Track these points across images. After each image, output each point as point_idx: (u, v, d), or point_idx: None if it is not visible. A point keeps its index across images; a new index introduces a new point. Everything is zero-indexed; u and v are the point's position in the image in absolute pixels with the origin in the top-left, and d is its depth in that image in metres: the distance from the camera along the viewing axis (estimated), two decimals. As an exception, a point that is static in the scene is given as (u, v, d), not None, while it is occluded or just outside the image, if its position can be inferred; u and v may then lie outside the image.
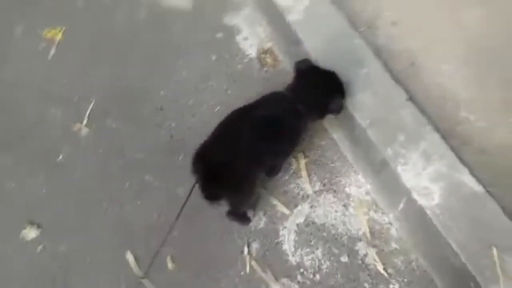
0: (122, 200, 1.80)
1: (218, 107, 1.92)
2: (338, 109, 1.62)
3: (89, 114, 1.98)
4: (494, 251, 1.40)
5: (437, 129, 1.63)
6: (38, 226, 1.79)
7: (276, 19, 1.98)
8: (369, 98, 1.70)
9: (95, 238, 1.74)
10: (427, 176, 1.56)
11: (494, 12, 1.82)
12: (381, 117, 1.66)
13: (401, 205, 1.63)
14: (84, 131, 1.96)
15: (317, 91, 1.60)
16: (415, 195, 1.54)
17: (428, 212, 1.51)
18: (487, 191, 1.48)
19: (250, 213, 1.78)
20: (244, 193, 1.59)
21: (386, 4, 1.93)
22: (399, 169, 1.58)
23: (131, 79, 2.03)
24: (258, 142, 1.49)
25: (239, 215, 1.72)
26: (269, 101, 1.58)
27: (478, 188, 1.50)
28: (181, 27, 2.12)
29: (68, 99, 2.01)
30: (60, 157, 1.91)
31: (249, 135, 1.47)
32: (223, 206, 1.62)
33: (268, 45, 2.10)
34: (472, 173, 1.52)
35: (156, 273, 1.68)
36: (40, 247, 1.75)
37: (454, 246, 1.47)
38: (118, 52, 2.09)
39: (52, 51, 2.15)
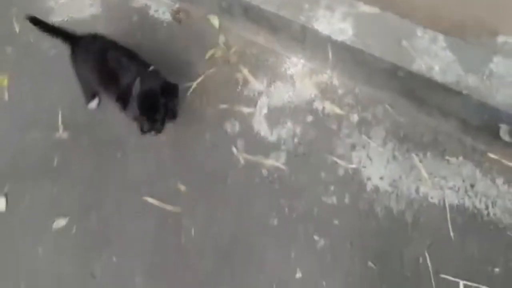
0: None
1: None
2: None
3: (62, 122, 2.25)
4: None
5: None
6: (65, 216, 2.04)
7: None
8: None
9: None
10: (338, 19, 1.95)
11: None
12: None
13: (330, 54, 2.02)
14: (65, 135, 2.23)
15: None
16: (334, 36, 1.93)
17: (349, 43, 1.90)
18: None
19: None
20: None
21: None
22: (315, 25, 1.96)
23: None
24: None
25: None
26: None
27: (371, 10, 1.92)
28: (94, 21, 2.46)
29: (39, 118, 2.28)
30: (55, 162, 2.17)
31: None
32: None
33: (176, 5, 2.46)
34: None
35: (173, 198, 1.98)
36: (74, 230, 2.00)
37: (376, 54, 1.86)
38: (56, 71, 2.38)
39: (6, 95, 2.41)
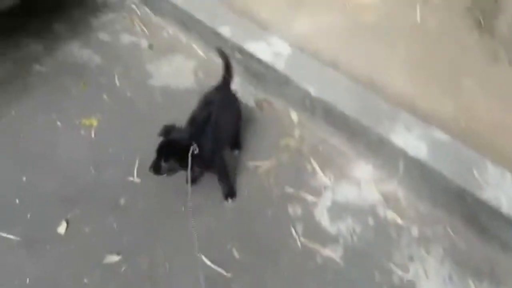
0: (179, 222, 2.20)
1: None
2: None
3: (137, 168, 2.43)
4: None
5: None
6: (118, 254, 2.11)
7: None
8: (351, 101, 2.35)
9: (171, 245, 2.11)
10: (414, 137, 2.15)
11: None
12: (366, 106, 2.29)
13: (401, 167, 2.19)
14: (137, 180, 2.39)
15: None
16: (411, 152, 2.11)
17: (422, 160, 2.08)
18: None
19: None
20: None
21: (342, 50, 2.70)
22: (392, 138, 2.17)
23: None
24: None
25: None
26: None
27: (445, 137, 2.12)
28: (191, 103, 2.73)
29: (117, 161, 2.47)
30: (122, 201, 2.30)
31: None
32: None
33: (261, 96, 2.75)
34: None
35: (226, 262, 2.05)
36: (123, 268, 2.06)
37: (447, 176, 2.01)
38: (147, 123, 2.63)
39: (93, 133, 2.65)
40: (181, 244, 2.13)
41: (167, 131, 1.99)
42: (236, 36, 2.79)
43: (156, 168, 1.96)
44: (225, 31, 2.82)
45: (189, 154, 1.92)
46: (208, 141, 2.03)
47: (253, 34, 2.77)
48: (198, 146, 1.96)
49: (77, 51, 3.18)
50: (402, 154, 2.16)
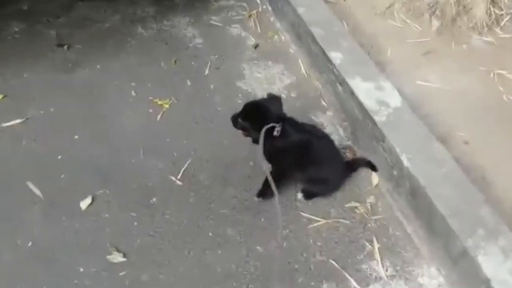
0: (204, 247, 1.90)
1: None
2: None
3: (184, 170, 2.19)
4: None
5: (512, 231, 1.75)
6: (124, 255, 1.88)
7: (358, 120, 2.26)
8: (449, 192, 1.86)
9: (174, 275, 1.82)
10: (507, 270, 1.64)
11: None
12: (461, 210, 1.80)
13: (479, 296, 1.68)
14: (178, 182, 2.15)
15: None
16: (495, 285, 1.60)
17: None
18: None
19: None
20: None
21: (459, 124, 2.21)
22: (480, 259, 1.67)
23: (226, 148, 2.27)
24: None
25: None
26: None
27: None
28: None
29: (168, 155, 2.25)
30: (154, 199, 2.07)
31: None
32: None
33: (348, 143, 2.35)
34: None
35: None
36: (123, 273, 1.82)
37: None
38: (216, 125, 2.38)
39: (159, 116, 2.45)
40: (197, 276, 1.86)
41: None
42: (345, 67, 2.41)
43: (234, 118, 1.98)
44: (335, 56, 2.46)
45: (265, 129, 1.86)
46: (294, 142, 1.94)
47: (365, 71, 2.37)
48: (283, 135, 1.89)
49: (184, 26, 3.03)
50: (485, 283, 1.65)
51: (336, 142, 2.27)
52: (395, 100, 2.22)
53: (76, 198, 2.08)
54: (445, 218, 1.80)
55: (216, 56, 2.85)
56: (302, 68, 2.78)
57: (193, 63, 2.82)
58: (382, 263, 1.92)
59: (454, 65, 2.60)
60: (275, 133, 1.88)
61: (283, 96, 2.53)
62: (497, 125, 2.28)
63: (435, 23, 2.77)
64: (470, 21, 2.73)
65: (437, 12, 2.75)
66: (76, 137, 2.36)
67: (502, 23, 2.77)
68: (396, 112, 2.17)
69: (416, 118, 2.16)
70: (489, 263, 1.67)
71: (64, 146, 2.29)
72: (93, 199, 2.08)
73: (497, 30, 2.77)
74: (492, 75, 2.54)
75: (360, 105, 2.23)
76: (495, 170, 2.11)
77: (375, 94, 2.25)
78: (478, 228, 1.77)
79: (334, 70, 2.44)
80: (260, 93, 2.58)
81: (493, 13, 2.73)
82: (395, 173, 2.07)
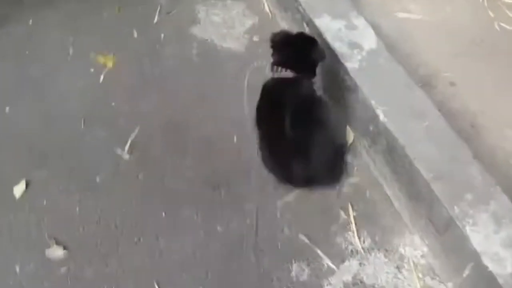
0: (156, 232, 1.66)
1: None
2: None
3: (132, 140, 1.90)
4: None
5: (506, 191, 1.50)
6: (65, 248, 1.64)
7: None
8: (433, 151, 1.60)
9: (123, 267, 1.59)
10: (499, 241, 1.41)
11: None
12: (446, 172, 1.54)
13: (466, 272, 1.47)
14: (126, 156, 1.87)
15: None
16: (486, 261, 1.38)
17: (501, 281, 1.35)
18: None
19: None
20: None
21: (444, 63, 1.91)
22: (468, 230, 1.44)
23: (177, 111, 1.97)
24: None
25: None
26: None
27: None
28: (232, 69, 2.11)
29: (114, 123, 1.95)
30: (98, 179, 1.80)
31: None
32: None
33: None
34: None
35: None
36: (63, 269, 1.59)
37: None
38: (165, 85, 2.06)
39: (102, 76, 2.12)
40: (149, 267, 1.62)
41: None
42: (312, 2, 2.04)
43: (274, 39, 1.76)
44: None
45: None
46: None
47: (335, 7, 2.01)
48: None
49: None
50: (474, 258, 1.43)
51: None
52: (369, 41, 1.88)
53: (8, 183, 1.80)
54: (427, 182, 1.54)
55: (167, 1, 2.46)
56: (266, 6, 2.40)
57: (140, 9, 2.42)
58: (358, 234, 1.69)
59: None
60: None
61: (240, 48, 2.16)
62: (489, 60, 1.96)
63: None
64: None
65: None
66: (7, 109, 2.03)
67: None
68: (370, 56, 1.84)
69: (395, 62, 1.84)
70: (478, 235, 1.43)
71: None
72: (27, 184, 1.79)
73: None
74: (481, -1, 2.17)
75: (328, 48, 1.90)
76: (486, 114, 1.85)
77: (347, 35, 1.91)
78: (466, 192, 1.51)
79: (299, 7, 2.07)
80: (218, 41, 2.23)
81: None
82: (371, 128, 1.78)
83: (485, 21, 2.12)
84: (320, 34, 1.94)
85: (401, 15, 2.13)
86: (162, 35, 2.31)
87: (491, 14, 2.14)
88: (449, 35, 2.06)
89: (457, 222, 1.47)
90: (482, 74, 1.93)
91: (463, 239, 1.45)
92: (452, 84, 1.94)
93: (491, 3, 2.17)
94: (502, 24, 2.12)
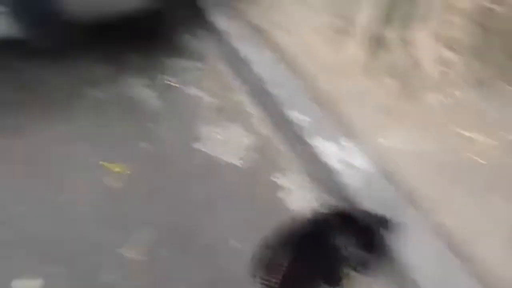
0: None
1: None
2: None
3: (140, 243, 2.00)
4: None
5: None
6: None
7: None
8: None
9: None
10: None
11: None
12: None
13: None
14: (135, 256, 1.95)
15: None
16: None
17: None
18: None
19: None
20: None
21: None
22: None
23: (184, 218, 2.12)
24: None
25: None
26: None
27: None
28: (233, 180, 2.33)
29: (122, 227, 2.06)
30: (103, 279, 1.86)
31: None
32: None
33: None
34: None
35: None
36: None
37: None
38: (175, 193, 2.23)
39: (113, 182, 2.28)
40: None
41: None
42: (307, 127, 2.36)
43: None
44: (295, 116, 2.42)
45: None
46: None
47: (326, 130, 2.32)
48: None
49: (139, 88, 2.92)
50: None
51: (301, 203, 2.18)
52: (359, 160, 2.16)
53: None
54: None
55: (173, 117, 2.75)
56: (262, 128, 2.71)
57: (148, 124, 2.68)
58: None
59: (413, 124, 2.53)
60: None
61: (240, 163, 2.41)
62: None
63: (390, 82, 2.75)
64: (423, 80, 2.73)
65: (391, 71, 2.76)
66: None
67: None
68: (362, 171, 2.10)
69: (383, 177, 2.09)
70: None
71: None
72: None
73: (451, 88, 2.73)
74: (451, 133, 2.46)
75: (322, 164, 2.16)
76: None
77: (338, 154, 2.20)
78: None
79: (295, 130, 2.38)
80: (220, 155, 2.47)
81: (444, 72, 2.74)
82: None
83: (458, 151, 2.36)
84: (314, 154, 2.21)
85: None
86: (169, 149, 2.53)
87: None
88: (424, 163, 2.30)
89: None
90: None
91: None
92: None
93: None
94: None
